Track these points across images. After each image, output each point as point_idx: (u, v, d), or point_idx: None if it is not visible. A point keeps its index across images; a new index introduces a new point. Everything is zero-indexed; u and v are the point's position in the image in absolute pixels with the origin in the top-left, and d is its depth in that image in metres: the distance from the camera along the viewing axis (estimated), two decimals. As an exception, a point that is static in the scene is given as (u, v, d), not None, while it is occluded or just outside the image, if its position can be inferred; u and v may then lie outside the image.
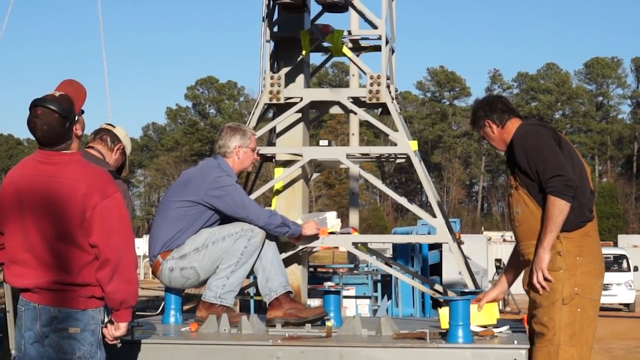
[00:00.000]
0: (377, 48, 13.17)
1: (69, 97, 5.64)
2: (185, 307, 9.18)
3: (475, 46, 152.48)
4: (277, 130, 12.48)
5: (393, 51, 13.61)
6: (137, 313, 7.72)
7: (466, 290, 8.66)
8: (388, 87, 12.41)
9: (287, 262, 9.80)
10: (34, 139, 5.64)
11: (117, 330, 5.61)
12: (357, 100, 12.41)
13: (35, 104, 5.57)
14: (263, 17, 12.74)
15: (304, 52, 12.72)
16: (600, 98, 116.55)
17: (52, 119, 5.52)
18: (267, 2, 12.73)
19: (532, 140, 6.45)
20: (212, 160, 7.94)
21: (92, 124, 7.17)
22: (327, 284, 15.82)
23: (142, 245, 36.60)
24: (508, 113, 6.79)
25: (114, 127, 7.69)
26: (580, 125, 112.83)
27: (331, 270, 20.00)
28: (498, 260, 34.75)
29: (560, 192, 6.27)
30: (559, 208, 6.27)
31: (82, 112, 5.76)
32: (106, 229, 5.45)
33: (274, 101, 12.26)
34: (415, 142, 12.09)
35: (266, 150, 12.17)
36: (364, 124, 13.69)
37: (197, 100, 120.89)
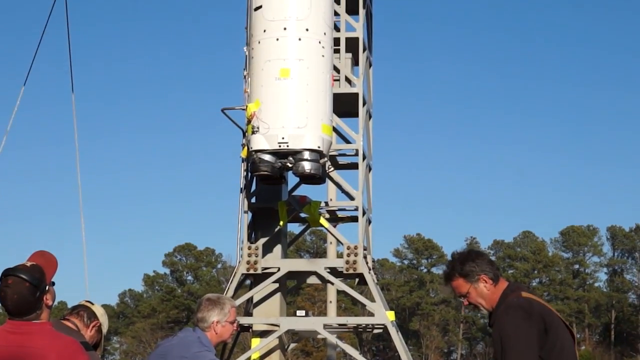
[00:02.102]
0: (354, 219, 13.33)
1: (40, 268, 5.69)
2: None
3: (451, 214, 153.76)
4: (255, 300, 12.50)
5: (370, 222, 13.77)
6: None
7: None
8: (365, 257, 12.52)
9: None
10: (5, 309, 5.64)
11: None
12: (334, 271, 12.49)
13: (7, 274, 5.60)
14: (241, 189, 12.94)
15: (281, 223, 12.87)
16: (577, 266, 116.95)
17: (22, 288, 5.55)
18: (245, 173, 12.95)
19: (510, 331, 6.22)
20: (192, 333, 7.91)
21: (70, 291, 7.18)
22: None
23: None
24: (499, 271, 6.51)
25: (92, 304, 7.70)
26: (557, 293, 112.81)
27: None
28: None
29: None
30: None
31: (53, 283, 5.79)
32: (73, 401, 5.39)
33: (252, 271, 12.33)
34: (392, 312, 12.13)
35: (243, 320, 12.15)
36: (341, 292, 13.77)
37: (174, 267, 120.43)
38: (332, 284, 12.81)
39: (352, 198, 13.29)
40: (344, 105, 14.03)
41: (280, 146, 12.16)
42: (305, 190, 13.61)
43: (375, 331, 12.91)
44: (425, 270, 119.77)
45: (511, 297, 6.39)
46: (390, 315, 11.92)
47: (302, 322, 12.14)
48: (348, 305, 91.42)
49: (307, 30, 12.68)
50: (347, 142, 14.12)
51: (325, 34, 12.84)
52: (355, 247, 12.42)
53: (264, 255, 12.64)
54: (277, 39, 12.67)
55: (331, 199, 14.23)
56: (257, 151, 12.20)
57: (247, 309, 12.92)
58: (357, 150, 13.72)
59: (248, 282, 13.18)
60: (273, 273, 12.38)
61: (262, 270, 12.40)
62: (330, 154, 13.00)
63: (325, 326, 12.17)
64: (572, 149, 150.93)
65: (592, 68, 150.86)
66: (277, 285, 12.57)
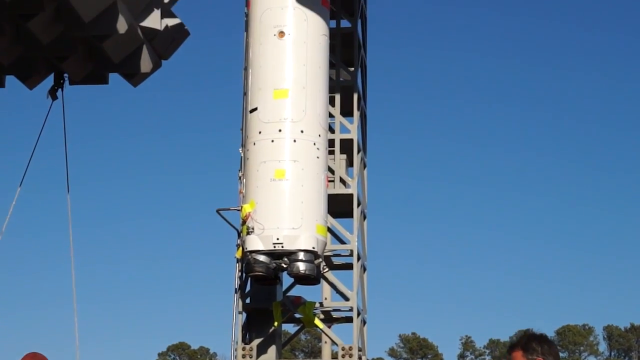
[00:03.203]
0: (349, 319, 13.32)
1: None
2: None
3: (446, 312, 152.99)
4: (249, 403, 12.41)
5: (365, 322, 13.74)
6: None
7: None
8: (360, 358, 12.48)
9: None
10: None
11: None
12: (328, 372, 12.44)
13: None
14: (236, 289, 12.95)
15: (275, 324, 12.85)
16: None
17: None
18: (239, 274, 12.97)
19: None
20: None
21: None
22: None
23: None
24: None
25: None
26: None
27: None
28: None
29: None
30: None
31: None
32: None
33: (246, 372, 12.27)
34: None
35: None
36: (336, 395, 13.72)
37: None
38: (327, 385, 12.74)
39: (346, 299, 13.30)
40: (339, 206, 14.12)
41: (275, 247, 12.22)
42: (300, 290, 13.63)
43: None
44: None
45: None
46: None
47: None
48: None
49: (302, 132, 12.83)
50: (342, 242, 14.17)
51: (320, 135, 12.99)
52: (350, 348, 12.39)
53: (258, 355, 12.59)
54: (272, 141, 12.81)
55: (326, 298, 14.22)
56: (251, 252, 12.25)
57: (241, 411, 12.83)
58: (351, 251, 13.78)
59: (242, 383, 13.10)
60: (267, 375, 12.32)
61: (257, 371, 12.34)
62: (325, 254, 13.04)
63: None
64: (569, 248, 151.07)
65: (585, 154, 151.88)
66: (271, 386, 12.50)
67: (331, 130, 14.72)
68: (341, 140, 14.92)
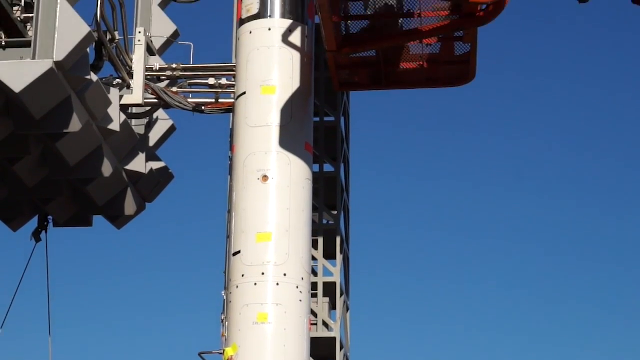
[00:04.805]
0: None
1: None
2: None
3: None
4: None
5: None
6: None
7: None
8: None
9: None
10: None
11: None
12: None
13: None
14: None
15: None
16: None
17: None
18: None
19: None
20: None
21: None
22: None
23: None
24: None
25: None
26: None
27: None
28: None
29: None
30: None
31: None
32: None
33: None
34: None
35: None
36: None
37: None
38: None
39: None
40: (322, 350, 14.06)
41: (257, 390, 12.12)
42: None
43: None
44: None
45: None
46: None
47: None
48: None
49: (285, 275, 12.87)
50: (325, 386, 14.06)
51: (303, 278, 13.02)
52: None
53: None
54: (255, 284, 12.84)
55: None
56: (233, 396, 12.13)
57: None
58: (334, 396, 13.66)
59: None
60: None
61: None
62: (307, 400, 12.92)
63: None
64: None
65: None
66: None
67: (314, 273, 14.76)
68: (324, 283, 14.97)
